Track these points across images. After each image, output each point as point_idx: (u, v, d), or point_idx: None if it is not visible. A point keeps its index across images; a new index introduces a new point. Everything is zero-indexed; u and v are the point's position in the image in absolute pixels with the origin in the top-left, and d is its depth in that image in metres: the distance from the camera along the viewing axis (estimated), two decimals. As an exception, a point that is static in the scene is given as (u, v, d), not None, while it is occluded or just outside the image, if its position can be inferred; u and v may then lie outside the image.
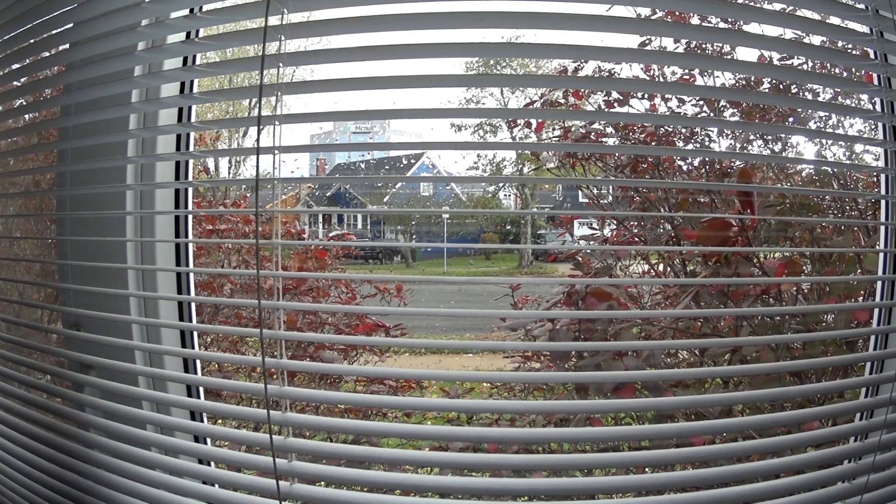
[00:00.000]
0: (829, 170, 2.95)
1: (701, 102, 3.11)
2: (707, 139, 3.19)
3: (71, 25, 1.55)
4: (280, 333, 1.44)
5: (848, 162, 2.96)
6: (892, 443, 1.41)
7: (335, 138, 5.73)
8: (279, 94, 1.29)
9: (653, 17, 2.68)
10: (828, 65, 2.67)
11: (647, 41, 2.73)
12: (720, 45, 2.98)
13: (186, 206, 1.84)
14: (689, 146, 3.23)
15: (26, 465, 1.68)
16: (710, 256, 2.60)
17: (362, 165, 6.28)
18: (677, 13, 2.65)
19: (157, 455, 1.57)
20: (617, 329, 2.61)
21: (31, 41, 1.64)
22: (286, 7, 1.26)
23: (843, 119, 3.00)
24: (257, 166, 1.26)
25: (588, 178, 3.51)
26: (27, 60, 1.76)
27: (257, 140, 1.26)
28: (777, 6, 1.37)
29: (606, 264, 2.97)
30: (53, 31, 1.56)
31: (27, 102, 2.08)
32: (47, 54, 1.71)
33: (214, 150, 4.40)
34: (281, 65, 1.29)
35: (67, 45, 1.62)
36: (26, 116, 2.42)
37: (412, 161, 6.17)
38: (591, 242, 3.38)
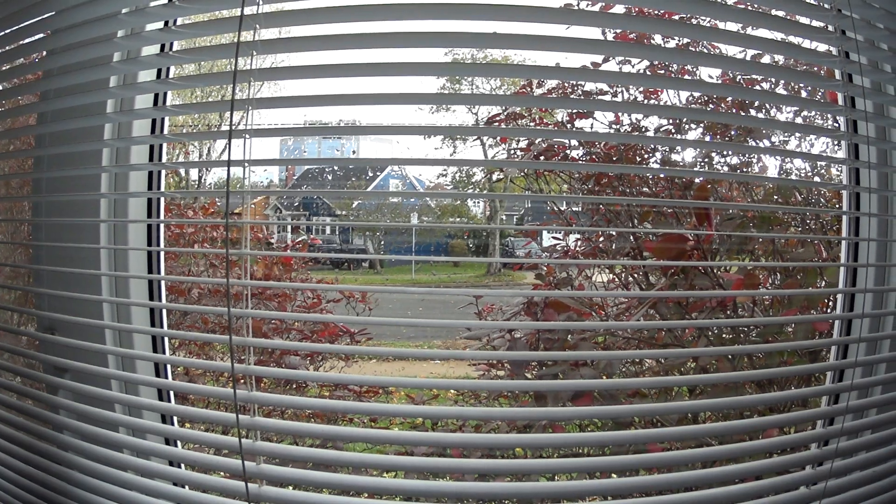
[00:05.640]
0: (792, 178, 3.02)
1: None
2: (669, 149, 3.24)
3: (52, 13, 1.54)
4: (249, 340, 1.47)
5: (811, 175, 3.01)
6: (850, 449, 1.47)
7: (303, 148, 5.71)
8: (249, 108, 1.32)
9: (615, 37, 2.73)
10: (791, 84, 2.74)
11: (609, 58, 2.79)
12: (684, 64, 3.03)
13: (159, 214, 1.86)
14: (653, 158, 3.28)
15: (2, 467, 1.69)
16: (668, 268, 2.65)
17: (329, 178, 6.27)
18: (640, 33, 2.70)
19: (129, 457, 1.59)
20: (577, 339, 2.65)
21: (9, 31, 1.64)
22: (258, 23, 1.29)
23: (805, 137, 3.06)
24: (227, 180, 1.30)
25: (553, 193, 3.56)
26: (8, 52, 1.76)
27: (228, 153, 1.30)
28: (738, 27, 1.43)
29: (567, 274, 3.01)
30: (32, 21, 1.56)
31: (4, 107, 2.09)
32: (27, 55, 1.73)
33: (186, 162, 4.40)
34: (252, 80, 1.32)
35: (45, 38, 1.63)
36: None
37: (377, 173, 6.15)
38: (556, 251, 3.42)
